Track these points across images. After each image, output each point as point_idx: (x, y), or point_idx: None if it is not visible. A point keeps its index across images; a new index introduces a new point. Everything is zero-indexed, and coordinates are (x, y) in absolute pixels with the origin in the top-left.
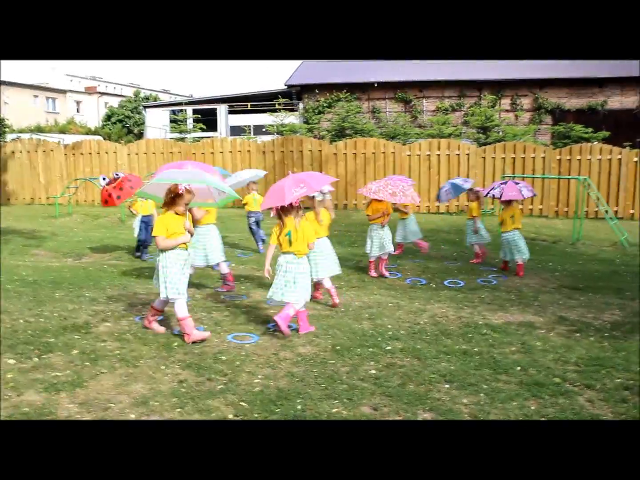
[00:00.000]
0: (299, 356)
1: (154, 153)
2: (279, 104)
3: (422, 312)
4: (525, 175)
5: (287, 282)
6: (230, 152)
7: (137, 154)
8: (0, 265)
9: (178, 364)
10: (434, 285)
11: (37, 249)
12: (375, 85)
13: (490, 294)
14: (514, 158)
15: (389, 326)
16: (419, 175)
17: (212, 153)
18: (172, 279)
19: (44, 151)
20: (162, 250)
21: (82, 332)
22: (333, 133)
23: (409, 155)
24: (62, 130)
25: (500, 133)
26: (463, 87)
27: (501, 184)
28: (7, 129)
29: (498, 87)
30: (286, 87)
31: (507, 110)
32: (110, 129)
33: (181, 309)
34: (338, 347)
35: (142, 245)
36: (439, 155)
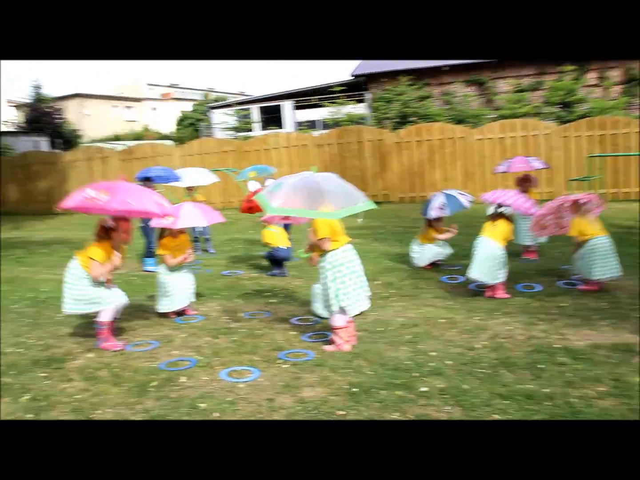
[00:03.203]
0: (299, 403)
1: (207, 153)
2: (339, 93)
3: (481, 330)
4: (616, 154)
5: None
6: (286, 147)
7: (190, 155)
8: None
9: (140, 416)
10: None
11: None
12: (447, 69)
13: (574, 301)
14: (602, 135)
15: (433, 353)
16: (492, 161)
17: (267, 150)
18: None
19: (101, 158)
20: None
21: (53, 367)
22: (395, 120)
23: (480, 139)
24: (138, 137)
25: (585, 108)
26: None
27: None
28: (80, 139)
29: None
30: (352, 77)
31: (593, 85)
32: (182, 133)
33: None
34: (356, 389)
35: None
36: (514, 137)
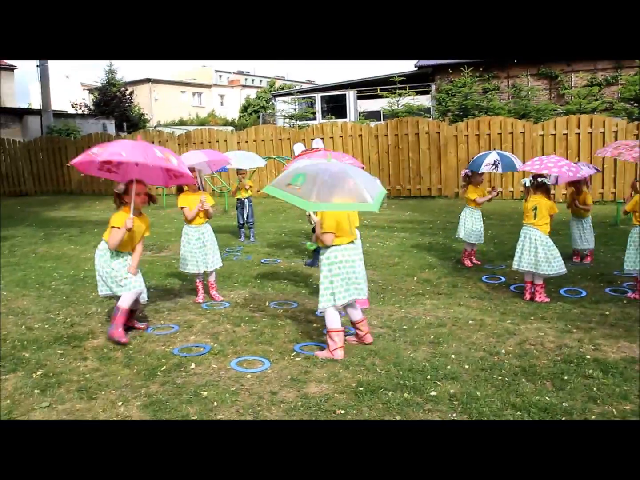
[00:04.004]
0: (301, 399)
1: (263, 140)
2: (401, 84)
3: (510, 335)
4: None
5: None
6: (341, 136)
7: (246, 141)
8: None
9: (142, 399)
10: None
11: None
12: (515, 61)
13: (618, 310)
14: None
15: (453, 356)
16: None
17: (322, 138)
18: None
19: (160, 142)
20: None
21: (72, 345)
22: (455, 113)
23: (542, 135)
24: (203, 123)
25: None
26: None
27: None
28: (147, 123)
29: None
30: (416, 68)
31: None
32: (246, 120)
33: None
34: (362, 388)
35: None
36: (578, 134)
